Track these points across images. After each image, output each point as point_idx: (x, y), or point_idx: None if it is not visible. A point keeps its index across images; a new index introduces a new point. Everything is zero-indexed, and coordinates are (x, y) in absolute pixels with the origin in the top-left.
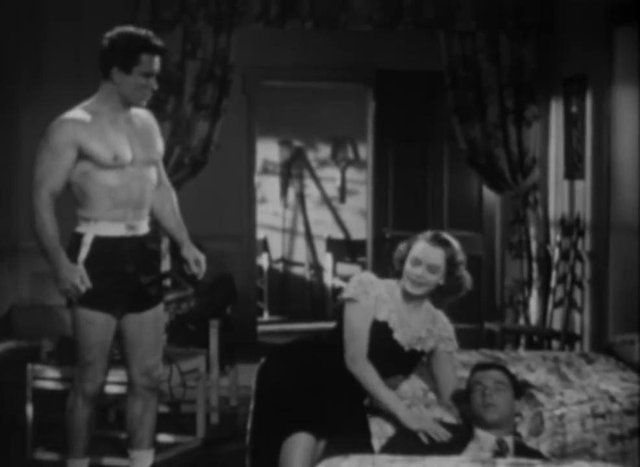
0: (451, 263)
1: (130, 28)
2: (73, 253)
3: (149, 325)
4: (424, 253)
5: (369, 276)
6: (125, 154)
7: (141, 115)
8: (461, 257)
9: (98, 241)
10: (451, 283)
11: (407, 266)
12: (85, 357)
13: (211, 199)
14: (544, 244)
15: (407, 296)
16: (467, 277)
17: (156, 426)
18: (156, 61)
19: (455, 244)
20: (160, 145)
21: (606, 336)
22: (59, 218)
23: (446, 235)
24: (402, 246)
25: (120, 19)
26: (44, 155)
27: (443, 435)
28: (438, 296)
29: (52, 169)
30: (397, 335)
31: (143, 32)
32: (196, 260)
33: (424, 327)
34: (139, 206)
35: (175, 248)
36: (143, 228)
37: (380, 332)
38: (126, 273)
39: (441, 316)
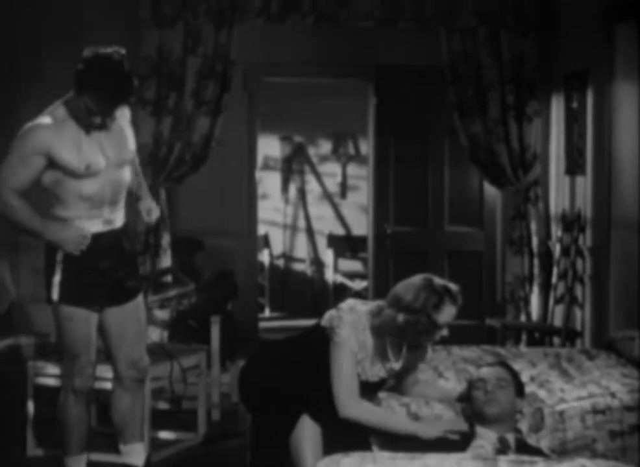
0: None
1: (114, 58)
2: (50, 252)
3: (131, 317)
4: (451, 317)
5: (356, 315)
6: (98, 162)
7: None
8: None
9: None
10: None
11: (436, 330)
12: (70, 351)
13: (212, 195)
14: (545, 240)
15: (394, 343)
16: None
17: (151, 420)
18: (101, 106)
19: None
20: (132, 142)
21: (607, 332)
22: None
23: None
24: (423, 297)
25: (121, 16)
26: (12, 157)
27: (459, 428)
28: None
29: (16, 172)
30: (368, 378)
31: (114, 77)
32: (148, 209)
33: (400, 361)
34: (114, 203)
35: (176, 244)
36: (119, 221)
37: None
38: (103, 268)
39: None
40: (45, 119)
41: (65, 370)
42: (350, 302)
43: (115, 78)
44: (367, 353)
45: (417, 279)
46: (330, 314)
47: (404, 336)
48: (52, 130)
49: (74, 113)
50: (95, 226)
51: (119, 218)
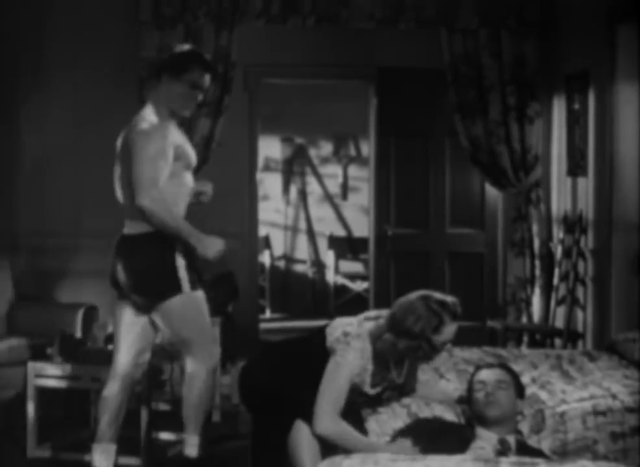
0: None
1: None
2: (168, 247)
3: None
4: (452, 335)
5: (363, 342)
6: (195, 156)
7: None
8: None
9: None
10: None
11: (437, 351)
12: (203, 337)
13: (213, 196)
14: (546, 241)
15: (397, 362)
16: None
17: (156, 424)
18: (206, 78)
19: None
20: None
21: (609, 334)
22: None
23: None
24: (423, 321)
25: (121, 17)
26: (150, 154)
27: (412, 452)
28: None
29: (158, 167)
30: (369, 392)
31: (203, 56)
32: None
33: (402, 375)
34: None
35: None
36: None
37: (352, 393)
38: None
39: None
40: (153, 120)
41: (196, 356)
42: (355, 325)
43: (204, 56)
44: (365, 377)
45: (414, 299)
46: (336, 337)
47: (406, 358)
48: (167, 127)
49: (169, 104)
50: None
51: None
